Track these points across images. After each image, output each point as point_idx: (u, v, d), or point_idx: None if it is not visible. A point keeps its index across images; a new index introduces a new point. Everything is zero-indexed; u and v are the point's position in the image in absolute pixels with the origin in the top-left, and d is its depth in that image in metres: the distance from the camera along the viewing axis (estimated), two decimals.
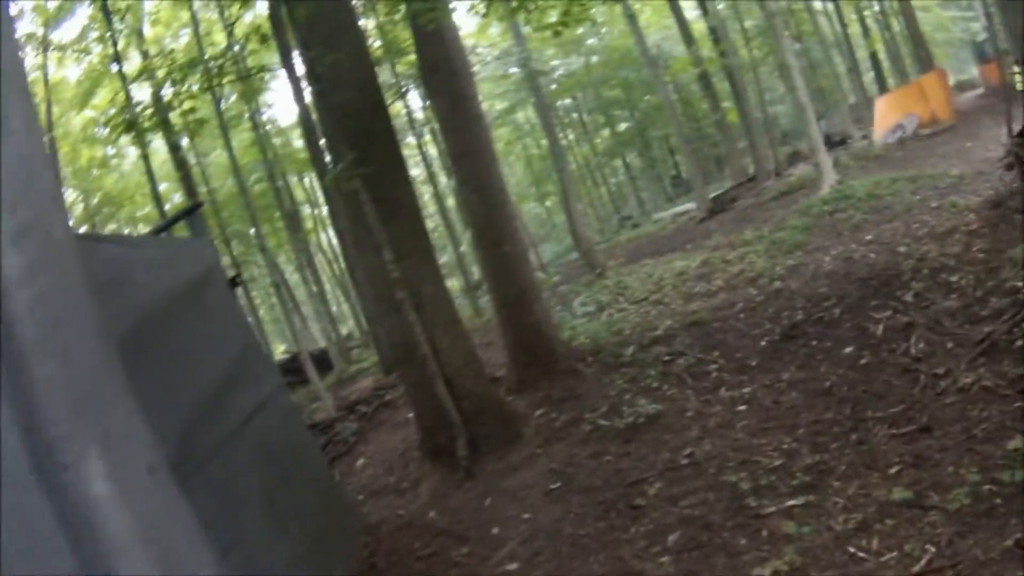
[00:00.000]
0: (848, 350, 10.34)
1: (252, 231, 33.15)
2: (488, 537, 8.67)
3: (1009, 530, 5.53)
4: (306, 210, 40.97)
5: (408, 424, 13.79)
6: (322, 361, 26.33)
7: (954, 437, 7.26)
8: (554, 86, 45.81)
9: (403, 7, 13.89)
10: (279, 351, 42.60)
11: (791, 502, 7.15)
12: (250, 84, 21.74)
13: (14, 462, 1.35)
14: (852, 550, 6.03)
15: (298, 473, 9.06)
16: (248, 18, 21.61)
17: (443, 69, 13.27)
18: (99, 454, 1.48)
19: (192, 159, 26.81)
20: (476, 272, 33.48)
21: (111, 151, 32.48)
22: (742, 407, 9.96)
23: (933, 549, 5.69)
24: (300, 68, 14.82)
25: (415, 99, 35.93)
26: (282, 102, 77.33)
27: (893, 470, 7.09)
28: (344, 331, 42.41)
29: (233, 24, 19.68)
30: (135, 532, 1.48)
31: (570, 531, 8.12)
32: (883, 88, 41.44)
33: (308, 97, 15.80)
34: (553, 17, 13.44)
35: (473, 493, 10.05)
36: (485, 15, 14.39)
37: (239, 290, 10.94)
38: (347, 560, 9.09)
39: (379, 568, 8.88)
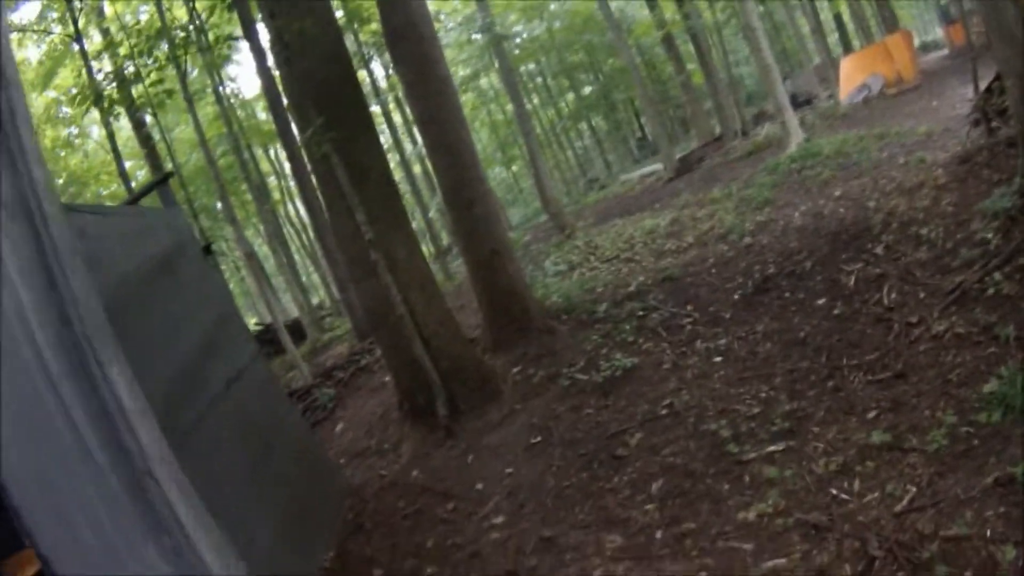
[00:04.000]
0: (821, 301, 10.46)
1: (219, 205, 32.98)
2: (472, 493, 8.76)
3: (988, 469, 5.67)
4: (272, 181, 40.73)
5: (385, 388, 13.83)
6: (295, 331, 26.30)
7: (929, 382, 7.40)
8: (517, 51, 45.64)
9: None
10: (251, 323, 42.43)
11: (771, 448, 7.28)
12: (213, 56, 21.61)
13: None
14: (834, 491, 6.17)
15: (280, 440, 9.10)
16: None
17: (409, 34, 13.17)
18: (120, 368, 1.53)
19: (156, 135, 26.55)
20: (445, 237, 33.50)
21: (74, 131, 32.09)
22: (718, 358, 10.07)
23: (914, 489, 5.82)
24: (264, 38, 14.71)
25: (378, 68, 35.88)
26: (244, 74, 76.76)
27: (871, 415, 7.23)
28: (315, 301, 42.32)
29: None
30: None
31: (553, 483, 8.22)
32: (848, 49, 41.53)
33: (273, 67, 15.69)
34: None
35: (455, 451, 10.12)
36: None
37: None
38: (333, 523, 9.15)
39: (366, 528, 8.94)
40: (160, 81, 17.51)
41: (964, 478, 5.73)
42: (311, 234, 37.10)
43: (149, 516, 1.38)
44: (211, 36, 19.84)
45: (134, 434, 1.46)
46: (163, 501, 1.44)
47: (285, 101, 15.51)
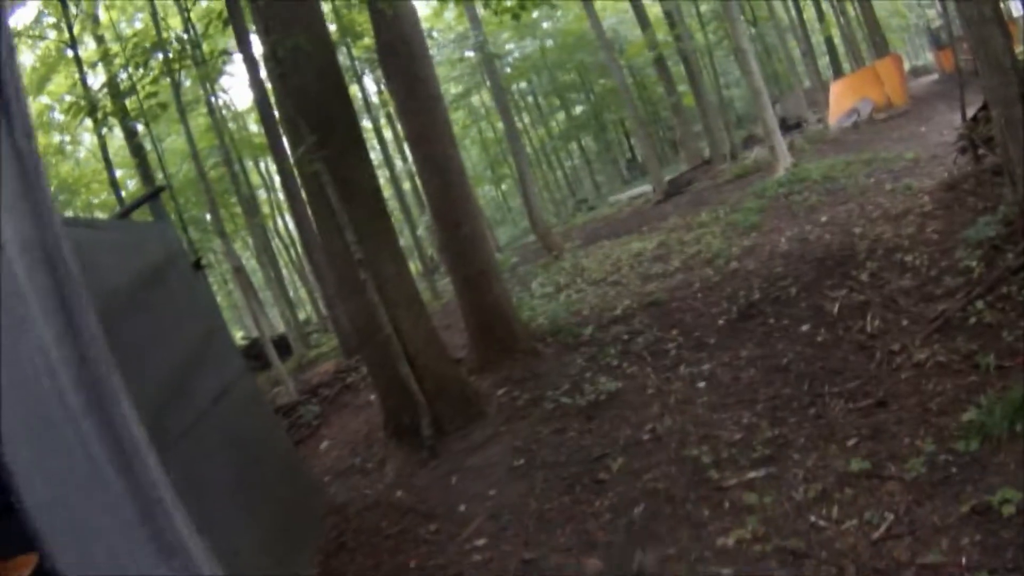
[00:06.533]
0: (805, 328, 10.50)
1: (208, 217, 32.94)
2: (455, 514, 8.75)
3: (965, 497, 5.72)
4: (262, 195, 40.67)
5: (370, 406, 13.85)
6: (282, 346, 26.22)
7: (910, 410, 7.44)
8: (509, 70, 45.84)
9: None
10: (237, 337, 42.34)
11: (752, 474, 7.31)
12: (207, 69, 21.64)
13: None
14: (813, 519, 6.19)
15: (264, 456, 9.13)
16: (204, 3, 21.51)
17: (401, 51, 13.24)
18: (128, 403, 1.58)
19: (148, 145, 26.52)
20: (433, 255, 33.52)
21: (66, 138, 32.04)
22: (701, 384, 10.09)
23: (891, 516, 5.85)
24: (258, 52, 14.77)
25: (370, 83, 35.94)
26: (238, 86, 76.73)
27: (851, 442, 7.26)
28: (301, 316, 42.28)
29: (190, 9, 19.52)
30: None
31: (536, 506, 8.22)
32: (838, 72, 41.69)
33: (266, 81, 15.74)
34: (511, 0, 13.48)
35: (438, 472, 10.12)
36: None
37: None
38: (315, 541, 9.16)
39: (348, 547, 8.93)
40: (155, 94, 17.55)
41: (941, 506, 5.77)
42: (299, 249, 37.05)
43: (161, 540, 1.44)
44: (206, 49, 19.86)
45: (146, 465, 1.53)
46: (172, 526, 1.50)
47: (277, 115, 15.55)
